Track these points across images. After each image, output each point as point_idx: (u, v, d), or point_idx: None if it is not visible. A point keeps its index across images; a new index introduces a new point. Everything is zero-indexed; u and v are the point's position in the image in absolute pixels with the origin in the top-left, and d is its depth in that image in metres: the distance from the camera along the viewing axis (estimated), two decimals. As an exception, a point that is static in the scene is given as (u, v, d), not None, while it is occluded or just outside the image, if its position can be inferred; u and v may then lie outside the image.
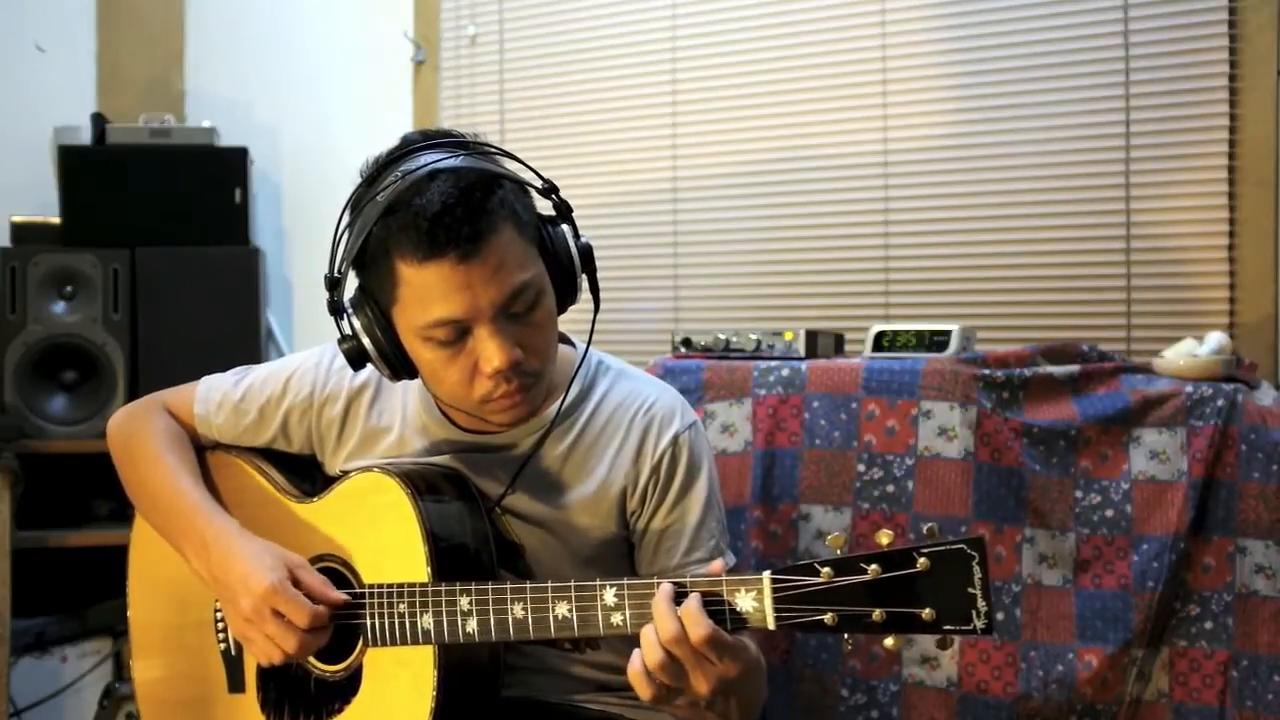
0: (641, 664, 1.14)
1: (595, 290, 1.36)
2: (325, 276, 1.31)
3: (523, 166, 1.34)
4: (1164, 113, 2.31)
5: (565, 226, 1.34)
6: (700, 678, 1.13)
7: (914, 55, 2.53)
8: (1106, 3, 2.35)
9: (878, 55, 2.56)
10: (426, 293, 1.24)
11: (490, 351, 1.25)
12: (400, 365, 1.31)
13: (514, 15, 2.93)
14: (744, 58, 2.69)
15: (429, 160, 1.25)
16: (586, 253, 1.34)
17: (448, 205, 1.20)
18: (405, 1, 3.04)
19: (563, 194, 1.34)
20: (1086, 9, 2.37)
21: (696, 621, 1.11)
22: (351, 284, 1.34)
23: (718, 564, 1.17)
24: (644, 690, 1.16)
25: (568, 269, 1.33)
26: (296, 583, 1.30)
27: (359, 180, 1.32)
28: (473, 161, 1.27)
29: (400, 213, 1.22)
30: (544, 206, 1.36)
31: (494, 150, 1.33)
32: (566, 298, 1.35)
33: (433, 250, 1.21)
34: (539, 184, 1.33)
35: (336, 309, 1.31)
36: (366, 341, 1.30)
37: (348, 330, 1.32)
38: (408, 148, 1.29)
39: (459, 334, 1.26)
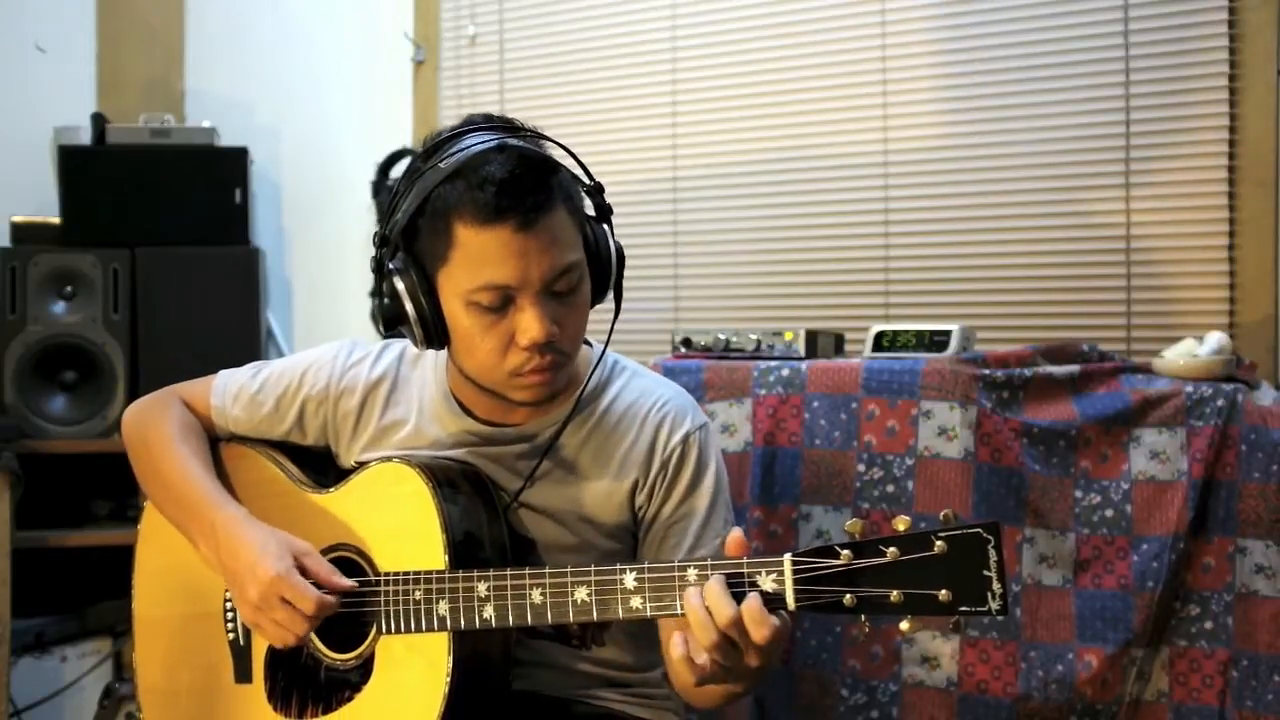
0: (686, 648, 1.16)
1: (619, 294, 1.39)
2: (375, 234, 1.34)
3: (575, 163, 1.36)
4: (1164, 113, 2.31)
5: (606, 227, 1.38)
6: (754, 654, 1.15)
7: (914, 55, 2.53)
8: (1106, 3, 2.35)
9: (878, 55, 2.56)
10: (481, 256, 1.26)
11: (529, 323, 1.28)
12: (435, 331, 1.33)
13: (514, 15, 2.93)
14: (744, 58, 2.69)
15: (493, 137, 1.29)
16: (620, 255, 1.38)
17: (514, 174, 1.24)
18: (405, 1, 3.04)
19: None
20: (1086, 9, 2.37)
21: (759, 619, 1.12)
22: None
23: (736, 531, 1.18)
24: (688, 674, 1.17)
25: (604, 267, 1.36)
26: (304, 570, 1.31)
27: (418, 155, 1.35)
28: (534, 148, 1.30)
29: (466, 177, 1.25)
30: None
31: (551, 142, 1.36)
32: (597, 294, 1.38)
33: (496, 215, 1.24)
34: (588, 182, 1.36)
35: (380, 267, 1.33)
36: (407, 303, 1.31)
37: (388, 290, 1.33)
38: (470, 126, 1.32)
39: (503, 302, 1.28)
